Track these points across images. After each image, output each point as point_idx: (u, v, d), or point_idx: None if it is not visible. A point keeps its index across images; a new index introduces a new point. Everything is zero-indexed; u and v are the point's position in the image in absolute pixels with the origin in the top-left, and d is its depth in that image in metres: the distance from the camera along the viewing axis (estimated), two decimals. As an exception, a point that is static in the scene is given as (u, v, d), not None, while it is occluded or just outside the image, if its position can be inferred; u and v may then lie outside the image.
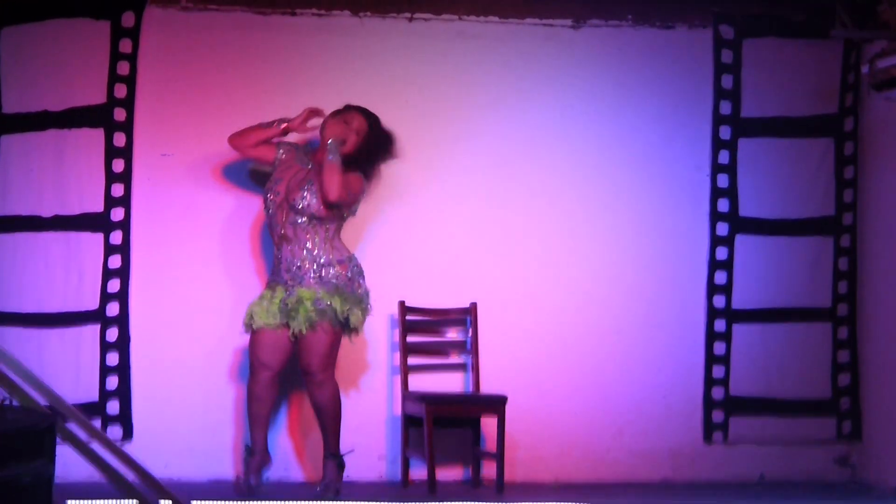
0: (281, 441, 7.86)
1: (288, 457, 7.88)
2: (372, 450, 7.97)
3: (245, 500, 7.08)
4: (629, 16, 8.28)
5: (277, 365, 7.46)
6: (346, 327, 7.42)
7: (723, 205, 8.31)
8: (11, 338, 7.55)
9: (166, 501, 5.92)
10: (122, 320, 7.77)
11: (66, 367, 7.65)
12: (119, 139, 7.82)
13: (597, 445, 8.15)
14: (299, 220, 7.41)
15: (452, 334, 8.08)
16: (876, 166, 8.25)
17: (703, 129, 8.34)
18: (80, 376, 7.67)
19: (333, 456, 7.47)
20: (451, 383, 8.10)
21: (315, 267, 7.39)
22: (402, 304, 7.96)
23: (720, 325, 8.28)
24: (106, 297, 7.76)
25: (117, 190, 7.82)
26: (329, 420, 7.47)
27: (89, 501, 6.43)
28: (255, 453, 7.46)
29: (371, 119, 7.55)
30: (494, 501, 7.27)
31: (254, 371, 7.46)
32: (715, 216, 8.31)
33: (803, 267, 8.34)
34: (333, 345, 7.44)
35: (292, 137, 7.67)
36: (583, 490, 7.77)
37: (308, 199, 7.40)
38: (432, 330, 8.06)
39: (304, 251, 7.40)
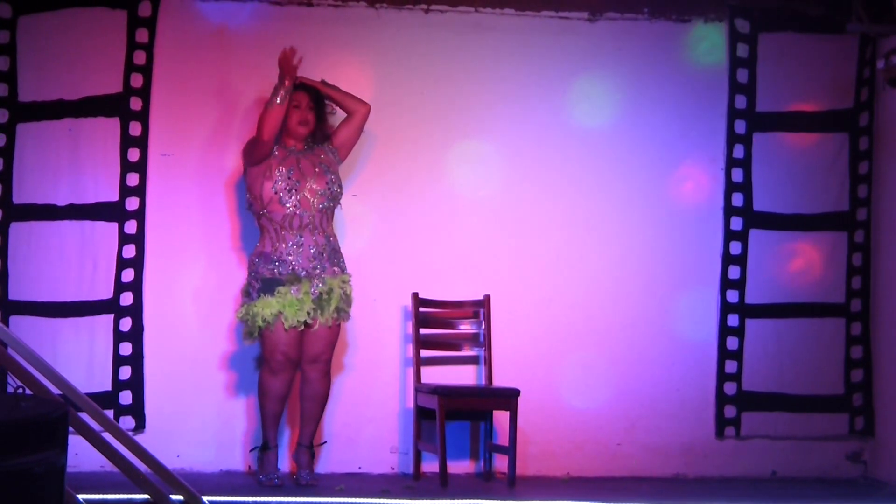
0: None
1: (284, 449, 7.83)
2: (384, 442, 7.98)
3: (271, 495, 7.02)
4: (645, 9, 8.27)
5: (299, 360, 7.46)
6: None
7: (737, 199, 8.30)
8: (25, 327, 7.56)
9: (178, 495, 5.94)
10: (136, 310, 7.77)
11: (80, 356, 7.67)
12: (135, 128, 7.82)
13: (609, 440, 8.15)
14: (328, 206, 7.42)
15: (465, 327, 8.07)
16: (891, 162, 8.23)
17: (717, 124, 8.32)
18: (94, 366, 7.68)
19: (309, 447, 7.51)
20: (463, 376, 8.10)
21: (332, 253, 7.41)
22: (415, 295, 7.95)
23: (733, 319, 8.27)
24: (120, 286, 7.76)
25: (132, 179, 7.82)
26: (319, 410, 7.50)
27: (102, 493, 6.44)
28: (271, 448, 7.47)
29: (308, 90, 7.55)
30: (506, 495, 7.26)
31: (279, 370, 7.36)
32: (729, 210, 8.30)
33: (817, 262, 8.32)
34: (338, 333, 7.49)
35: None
36: (594, 484, 7.77)
37: (336, 183, 7.43)
38: (445, 322, 8.05)
39: (324, 237, 7.41)
